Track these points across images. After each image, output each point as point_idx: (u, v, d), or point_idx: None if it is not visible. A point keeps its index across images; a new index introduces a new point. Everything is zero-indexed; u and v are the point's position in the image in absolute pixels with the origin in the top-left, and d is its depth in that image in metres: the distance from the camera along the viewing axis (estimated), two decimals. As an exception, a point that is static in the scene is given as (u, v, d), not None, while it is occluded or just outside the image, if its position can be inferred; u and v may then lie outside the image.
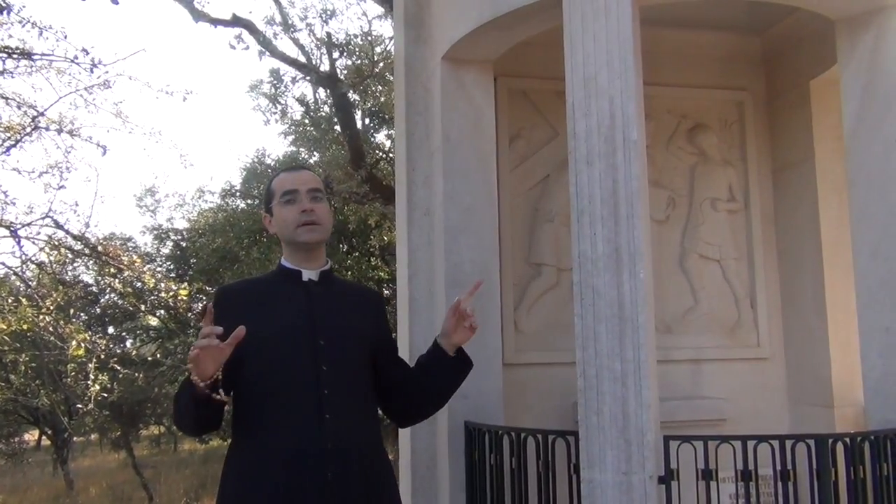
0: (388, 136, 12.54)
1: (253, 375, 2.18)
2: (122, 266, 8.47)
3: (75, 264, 10.29)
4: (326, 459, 2.10)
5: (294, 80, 12.74)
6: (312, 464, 2.09)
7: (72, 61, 7.42)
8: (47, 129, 7.79)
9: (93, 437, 19.41)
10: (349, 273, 11.87)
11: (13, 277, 9.49)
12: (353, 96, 11.65)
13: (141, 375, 11.46)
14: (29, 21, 7.12)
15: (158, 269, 13.68)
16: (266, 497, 2.09)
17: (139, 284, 8.79)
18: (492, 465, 3.29)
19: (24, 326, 7.81)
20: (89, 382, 8.58)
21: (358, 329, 2.30)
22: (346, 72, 11.55)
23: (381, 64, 11.20)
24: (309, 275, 2.32)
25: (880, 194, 3.26)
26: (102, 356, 8.86)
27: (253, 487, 2.12)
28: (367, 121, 12.78)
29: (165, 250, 15.08)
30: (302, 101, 13.34)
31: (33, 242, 8.04)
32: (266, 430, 2.14)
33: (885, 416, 3.13)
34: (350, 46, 11.80)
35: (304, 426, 2.10)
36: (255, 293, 2.35)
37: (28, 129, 7.66)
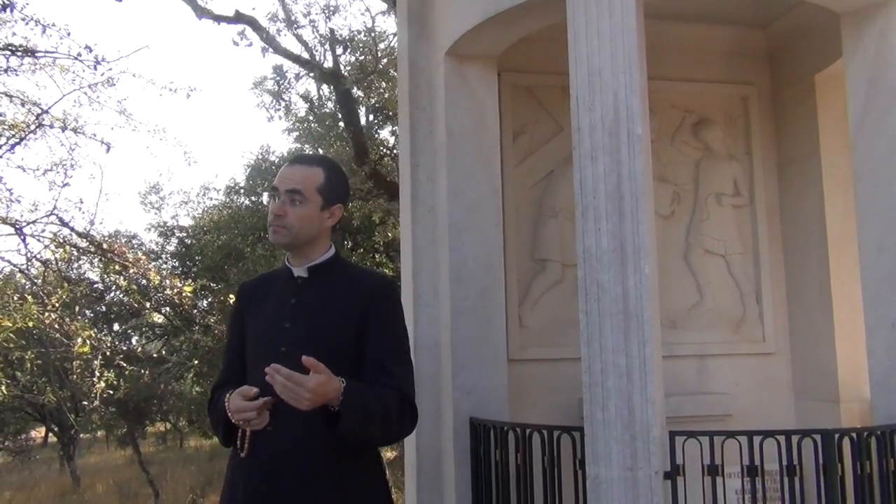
0: (392, 133, 12.52)
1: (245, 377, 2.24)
2: (127, 263, 8.48)
3: (80, 262, 10.31)
4: (259, 471, 2.09)
5: (297, 77, 12.72)
6: (247, 474, 2.11)
7: (75, 59, 7.40)
8: (51, 126, 7.78)
9: (99, 434, 19.47)
10: (353, 270, 11.81)
11: (18, 275, 9.50)
12: (356, 93, 11.61)
13: (147, 372, 11.47)
14: (32, 18, 7.10)
15: (163, 266, 13.69)
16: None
17: (144, 282, 8.80)
18: (497, 461, 3.29)
19: (30, 324, 7.81)
20: (95, 379, 8.59)
21: (329, 334, 2.16)
22: (349, 68, 11.53)
23: (385, 60, 11.17)
24: (298, 272, 2.28)
25: (886, 188, 3.25)
26: (108, 353, 8.88)
27: (227, 493, 2.22)
28: (370, 117, 12.75)
29: (170, 247, 15.08)
30: (306, 97, 13.33)
31: (38, 240, 8.03)
32: (235, 436, 2.18)
33: (891, 411, 3.11)
34: (353, 42, 11.77)
35: (252, 435, 2.10)
36: (261, 292, 2.35)
37: (32, 127, 7.66)
